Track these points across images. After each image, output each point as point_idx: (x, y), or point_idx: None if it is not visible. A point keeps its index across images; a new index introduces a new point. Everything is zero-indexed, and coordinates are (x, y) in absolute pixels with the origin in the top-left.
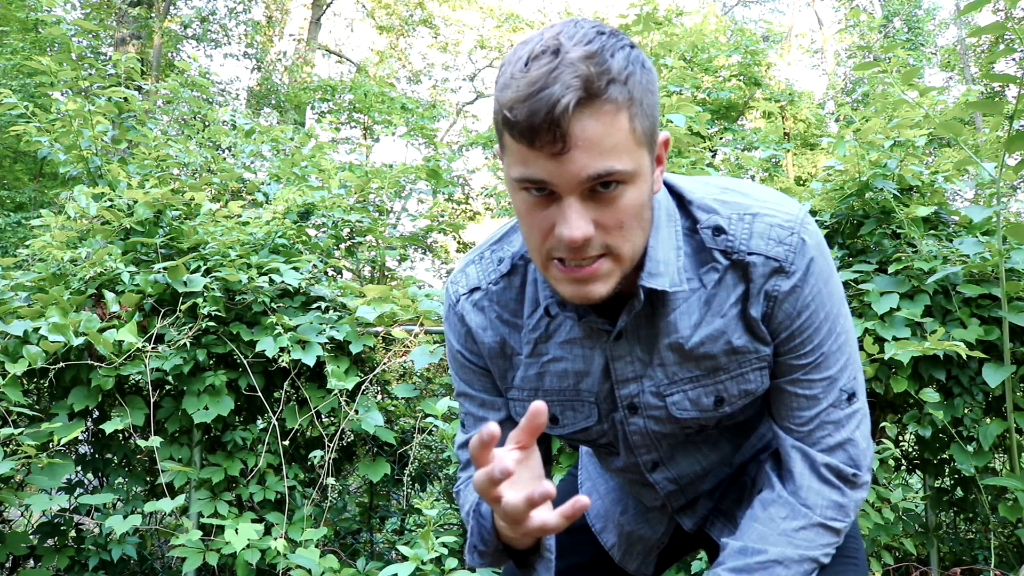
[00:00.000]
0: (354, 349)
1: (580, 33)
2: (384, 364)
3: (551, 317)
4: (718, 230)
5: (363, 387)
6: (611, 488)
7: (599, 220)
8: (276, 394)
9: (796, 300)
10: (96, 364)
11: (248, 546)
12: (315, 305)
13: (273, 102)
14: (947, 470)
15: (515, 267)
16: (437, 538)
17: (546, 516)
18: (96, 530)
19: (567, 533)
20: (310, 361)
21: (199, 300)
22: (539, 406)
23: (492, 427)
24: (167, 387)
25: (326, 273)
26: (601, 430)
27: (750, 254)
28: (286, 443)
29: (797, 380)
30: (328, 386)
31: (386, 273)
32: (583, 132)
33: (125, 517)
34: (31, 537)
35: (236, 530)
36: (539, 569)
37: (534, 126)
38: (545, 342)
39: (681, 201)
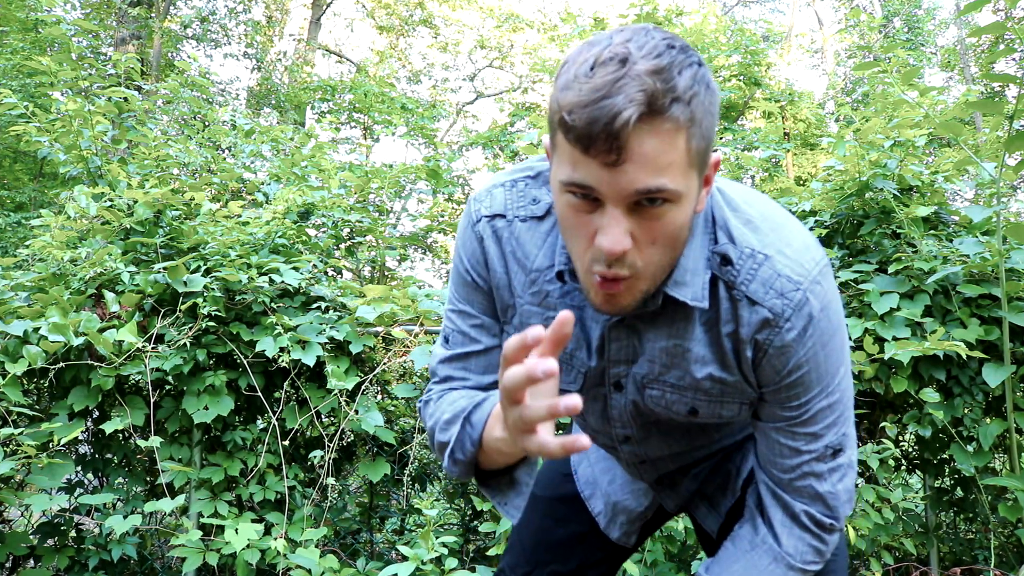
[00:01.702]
0: (354, 349)
1: (650, 44)
2: (384, 364)
3: (565, 281)
4: (726, 260)
5: (363, 387)
6: (600, 457)
7: (636, 233)
8: (276, 394)
9: (787, 359)
10: (96, 364)
11: (248, 546)
12: (315, 305)
13: (273, 102)
14: (947, 470)
15: (549, 213)
16: (437, 538)
17: (549, 438)
18: (96, 530)
19: (566, 502)
20: (310, 361)
21: (199, 300)
22: (566, 315)
23: (539, 331)
24: (167, 387)
25: (326, 273)
26: (580, 396)
27: (746, 297)
28: (286, 443)
29: (781, 429)
30: (328, 386)
31: (386, 273)
32: (640, 147)
33: (125, 517)
34: (31, 537)
35: (236, 530)
36: (510, 494)
37: (592, 134)
38: (557, 298)
39: (712, 215)
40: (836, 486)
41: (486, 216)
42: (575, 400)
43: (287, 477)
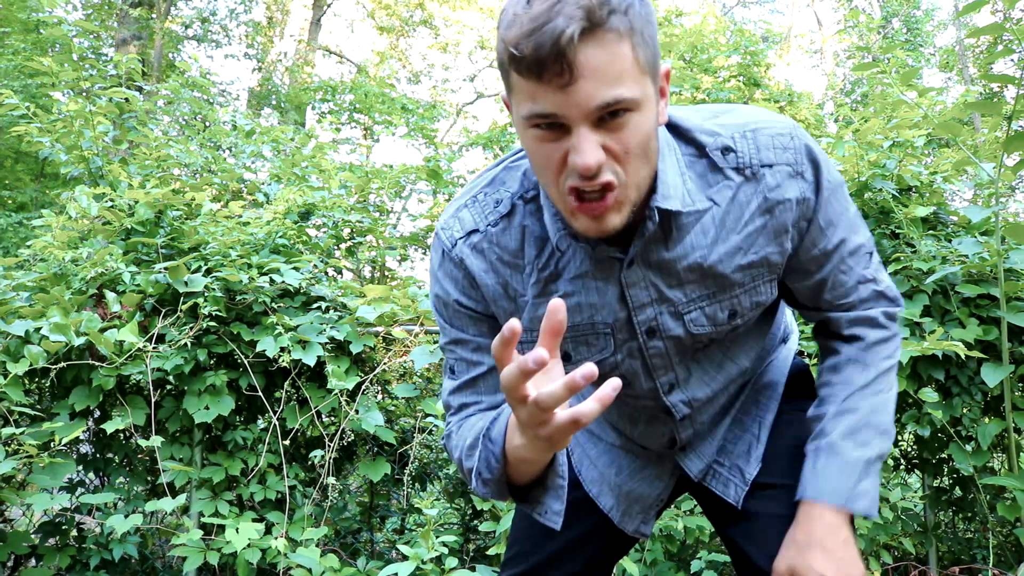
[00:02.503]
0: (354, 349)
1: None
2: (384, 364)
3: (560, 253)
4: (726, 150)
5: (363, 387)
6: (602, 451)
7: (607, 146)
8: (277, 394)
9: (821, 194)
10: (97, 364)
11: (249, 545)
12: (315, 305)
13: (274, 103)
14: (946, 469)
15: (515, 207)
16: (437, 537)
17: (580, 406)
18: (97, 529)
19: (569, 505)
20: (310, 361)
21: (200, 300)
22: (556, 303)
23: (514, 323)
24: (168, 387)
25: (326, 273)
26: (615, 361)
27: (763, 166)
28: (287, 443)
29: (839, 261)
30: (328, 386)
31: (386, 273)
32: (588, 61)
33: (126, 516)
34: (33, 536)
35: (237, 529)
36: (546, 500)
37: (540, 59)
38: (555, 280)
39: (678, 131)
40: (885, 277)
41: (460, 237)
42: (590, 367)
43: (288, 477)
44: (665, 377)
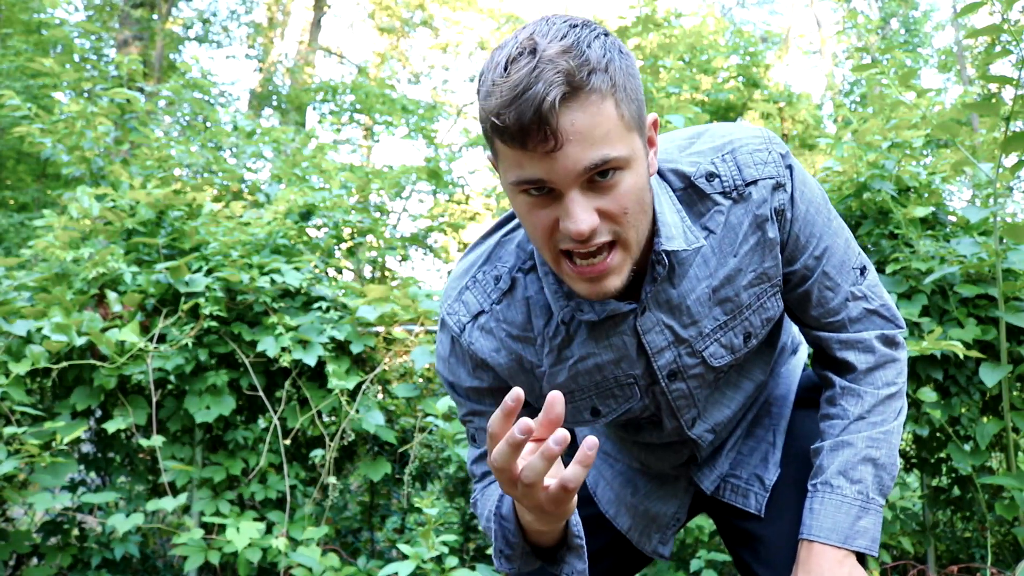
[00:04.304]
0: (355, 349)
1: (553, 29)
2: (385, 364)
3: (567, 323)
4: (711, 176)
5: (364, 387)
6: (617, 472)
7: (602, 208)
8: (277, 394)
9: (796, 205)
10: (98, 364)
11: (249, 545)
12: (316, 305)
13: (274, 103)
14: (944, 469)
15: (515, 281)
16: (437, 537)
17: (564, 473)
18: (99, 529)
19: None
20: (311, 361)
21: (201, 300)
22: (554, 396)
23: (516, 391)
24: (169, 387)
25: (327, 273)
26: (644, 405)
27: (747, 184)
28: (287, 442)
29: (821, 275)
30: (329, 386)
31: (386, 273)
32: (572, 126)
33: (127, 516)
34: (34, 535)
35: (237, 529)
36: (571, 560)
37: (524, 127)
38: (568, 345)
39: (660, 166)
40: (881, 296)
41: (468, 321)
42: (563, 433)
43: (288, 476)
44: (688, 414)
